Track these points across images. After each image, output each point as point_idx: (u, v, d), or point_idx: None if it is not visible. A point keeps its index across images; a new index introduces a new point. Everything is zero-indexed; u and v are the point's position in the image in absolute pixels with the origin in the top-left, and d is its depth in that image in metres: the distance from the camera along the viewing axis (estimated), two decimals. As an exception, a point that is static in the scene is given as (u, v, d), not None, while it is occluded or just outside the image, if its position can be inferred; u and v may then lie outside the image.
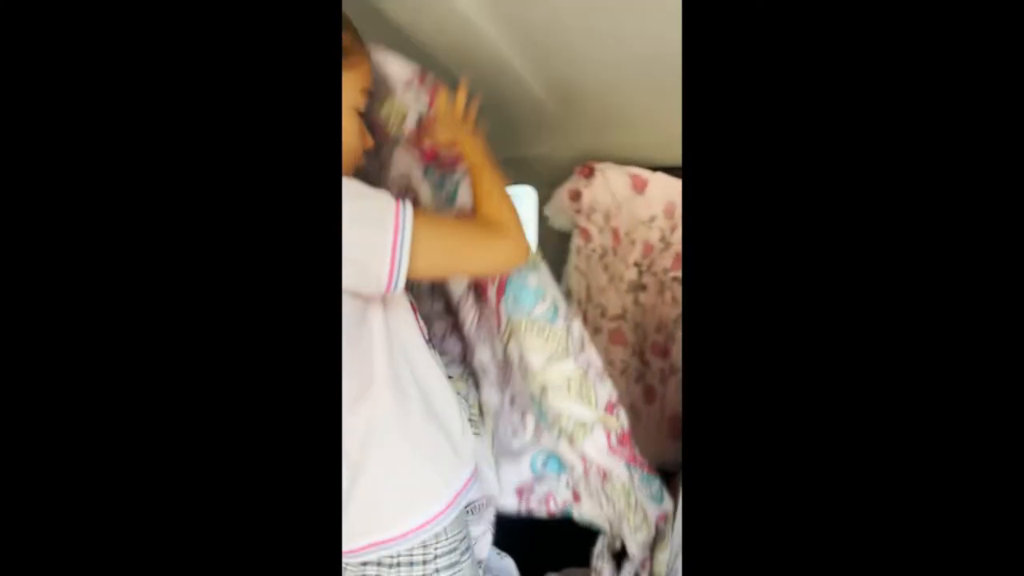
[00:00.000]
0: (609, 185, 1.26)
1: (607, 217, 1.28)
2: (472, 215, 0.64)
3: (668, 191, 1.28)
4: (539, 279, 0.74)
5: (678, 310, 1.29)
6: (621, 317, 1.31)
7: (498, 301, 0.74)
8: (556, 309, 0.74)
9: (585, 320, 1.27)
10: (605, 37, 0.76)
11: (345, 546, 0.55)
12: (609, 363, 1.30)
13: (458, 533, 0.61)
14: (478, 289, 0.79)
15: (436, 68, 0.79)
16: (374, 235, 0.48)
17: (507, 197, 0.63)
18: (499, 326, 0.76)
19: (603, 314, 1.30)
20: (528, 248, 0.62)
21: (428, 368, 0.61)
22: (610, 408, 0.76)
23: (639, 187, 1.28)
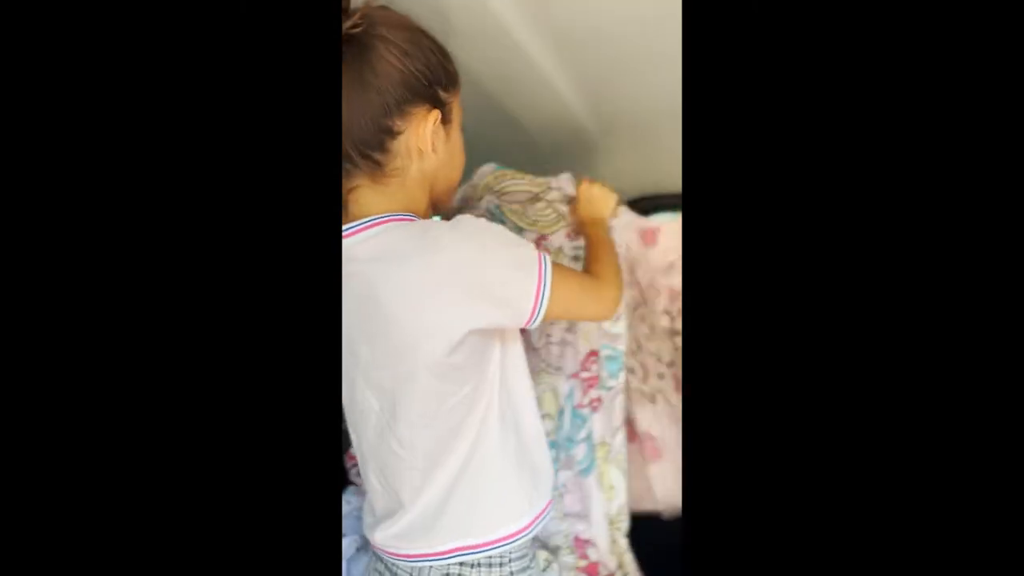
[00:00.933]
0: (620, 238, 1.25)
1: (630, 270, 1.25)
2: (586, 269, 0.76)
3: (679, 237, 1.23)
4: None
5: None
6: (674, 363, 1.27)
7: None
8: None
9: (645, 369, 1.25)
10: (650, 66, 0.76)
11: (432, 549, 0.62)
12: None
13: (530, 541, 0.68)
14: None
15: (478, 90, 0.84)
16: (523, 278, 0.55)
17: (615, 256, 0.76)
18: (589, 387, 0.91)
19: (659, 359, 1.26)
20: (616, 309, 0.72)
21: (526, 404, 0.67)
22: None
23: (649, 239, 1.24)
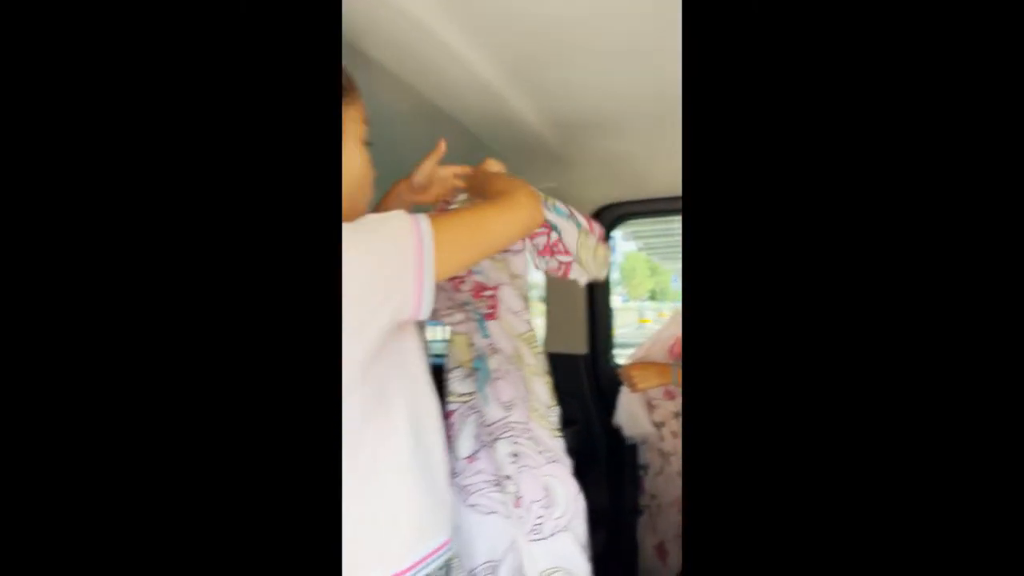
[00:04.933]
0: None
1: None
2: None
3: None
4: None
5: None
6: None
7: None
8: None
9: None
10: (606, 72, 0.74)
11: None
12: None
13: None
14: None
15: (428, 108, 0.84)
16: (397, 262, 0.52)
17: (509, 179, 0.68)
18: None
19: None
20: (539, 211, 0.65)
21: (432, 420, 0.63)
22: None
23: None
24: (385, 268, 0.51)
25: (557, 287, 1.54)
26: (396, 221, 0.54)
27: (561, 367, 1.07)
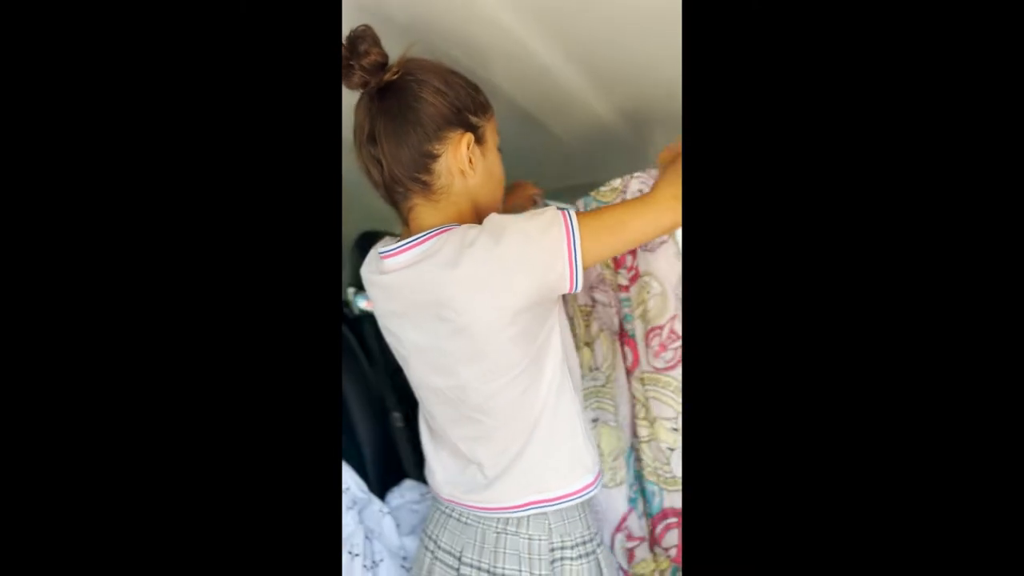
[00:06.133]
0: None
1: None
2: None
3: None
4: None
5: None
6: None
7: None
8: None
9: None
10: (673, 60, 0.74)
11: (511, 502, 0.70)
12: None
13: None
14: None
15: (517, 111, 0.87)
16: (552, 234, 0.61)
17: (673, 176, 0.70)
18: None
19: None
20: (678, 215, 0.68)
21: (576, 363, 0.75)
22: None
23: None
24: (544, 243, 0.60)
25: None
26: (548, 212, 0.63)
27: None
